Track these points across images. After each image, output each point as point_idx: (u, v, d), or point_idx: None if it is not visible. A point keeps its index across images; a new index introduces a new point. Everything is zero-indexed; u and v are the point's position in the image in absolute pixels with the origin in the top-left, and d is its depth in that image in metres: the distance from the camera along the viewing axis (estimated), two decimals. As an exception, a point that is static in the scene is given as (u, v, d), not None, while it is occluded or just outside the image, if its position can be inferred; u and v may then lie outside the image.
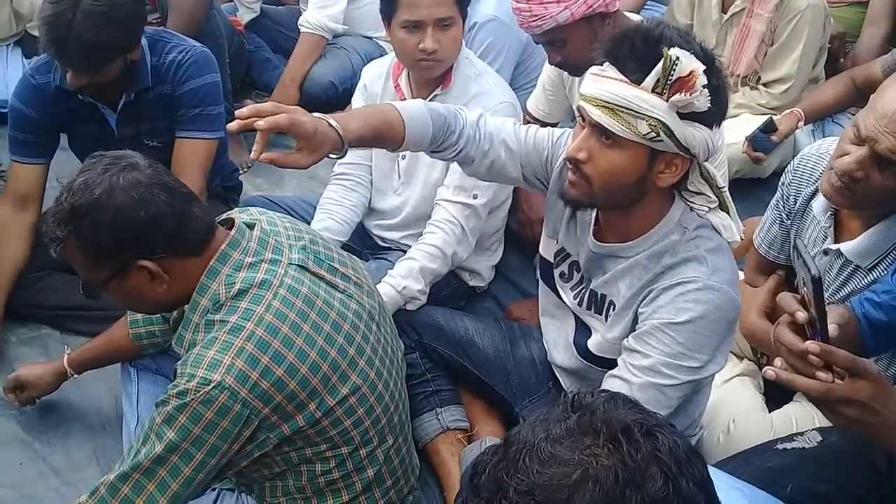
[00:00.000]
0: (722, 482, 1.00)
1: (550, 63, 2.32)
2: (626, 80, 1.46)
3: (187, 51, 2.35)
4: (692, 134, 1.47)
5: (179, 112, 2.36)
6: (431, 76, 2.24)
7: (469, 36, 2.83)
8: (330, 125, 1.54)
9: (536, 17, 2.11)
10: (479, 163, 1.76)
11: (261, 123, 1.45)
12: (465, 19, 2.23)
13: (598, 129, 1.50)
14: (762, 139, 2.69)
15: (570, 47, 2.16)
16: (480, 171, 1.78)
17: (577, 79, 2.37)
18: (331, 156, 1.57)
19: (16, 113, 2.38)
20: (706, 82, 1.43)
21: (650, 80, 1.44)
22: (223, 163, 2.68)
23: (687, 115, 1.46)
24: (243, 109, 1.48)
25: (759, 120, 2.79)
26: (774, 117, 2.73)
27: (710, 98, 1.44)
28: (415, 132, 1.67)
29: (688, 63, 1.42)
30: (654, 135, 1.46)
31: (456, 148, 1.74)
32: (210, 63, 2.39)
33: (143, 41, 2.29)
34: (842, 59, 3.16)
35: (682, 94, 1.42)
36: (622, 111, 1.46)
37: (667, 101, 1.44)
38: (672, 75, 1.42)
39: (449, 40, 2.18)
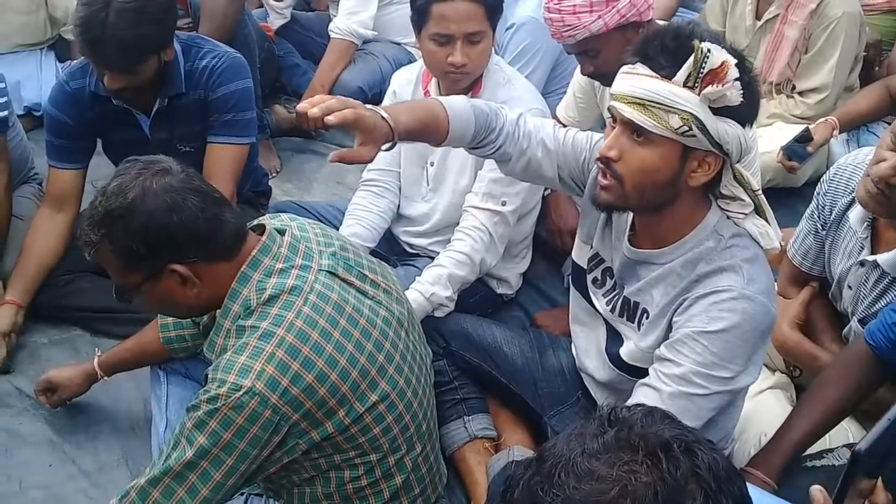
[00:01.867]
0: (759, 500, 0.98)
1: (583, 73, 2.31)
2: (658, 75, 1.46)
3: (220, 56, 2.36)
4: (724, 130, 1.46)
5: (212, 117, 2.37)
6: (459, 87, 2.24)
7: (506, 37, 2.82)
8: (382, 118, 1.55)
9: (569, 28, 2.10)
10: (515, 161, 1.75)
11: (330, 118, 1.48)
12: (494, 30, 2.22)
13: (630, 127, 1.49)
14: (797, 149, 2.66)
15: (602, 57, 2.15)
16: (517, 169, 1.77)
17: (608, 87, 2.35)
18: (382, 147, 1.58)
19: (51, 119, 2.41)
20: (738, 75, 1.42)
21: (682, 74, 1.43)
22: (254, 168, 2.69)
23: (719, 111, 1.45)
24: (306, 102, 1.50)
25: (792, 129, 2.75)
26: (809, 126, 2.70)
27: (741, 92, 1.43)
28: (458, 128, 1.67)
29: (719, 55, 1.41)
30: (686, 129, 1.45)
31: (495, 145, 1.73)
32: (243, 69, 2.40)
33: (177, 46, 2.31)
34: (877, 68, 3.11)
35: (715, 85, 1.41)
36: (654, 106, 1.45)
37: (699, 94, 1.43)
38: (703, 68, 1.41)
39: (478, 54, 2.18)
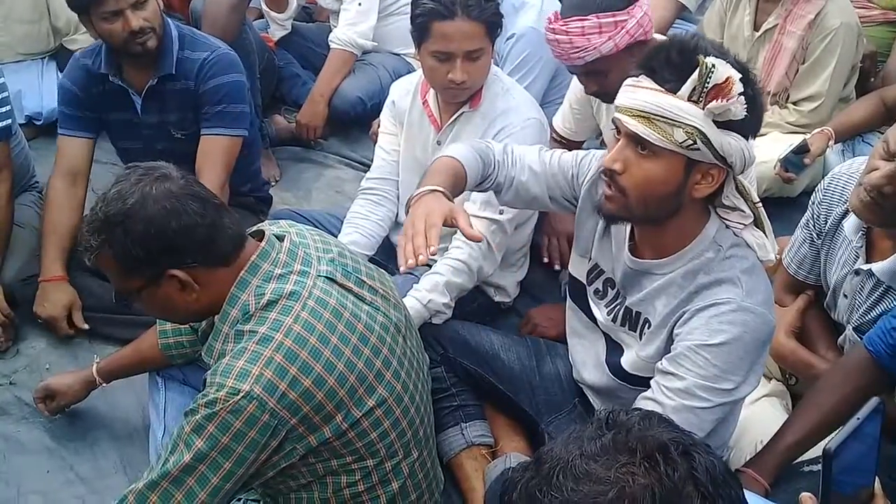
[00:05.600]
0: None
1: (587, 92, 2.28)
2: (662, 89, 1.46)
3: (214, 50, 2.46)
4: (729, 143, 1.47)
5: (203, 109, 2.44)
6: (458, 100, 2.27)
7: (506, 47, 2.83)
8: (442, 192, 1.65)
9: (579, 49, 2.07)
10: (507, 189, 1.82)
11: None
12: (493, 44, 2.24)
13: (634, 140, 1.50)
14: (795, 160, 2.68)
15: (611, 78, 2.10)
16: (509, 196, 1.84)
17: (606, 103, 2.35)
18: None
19: (64, 90, 2.52)
20: (742, 90, 1.43)
21: (686, 89, 1.44)
22: (255, 170, 2.73)
23: (723, 124, 1.46)
24: None
25: (788, 139, 2.77)
26: (806, 138, 2.71)
27: (746, 106, 1.44)
28: (472, 175, 1.77)
29: (724, 70, 1.42)
30: (690, 142, 1.45)
31: (492, 178, 1.81)
32: (235, 64, 2.48)
33: (174, 31, 2.41)
34: (872, 79, 3.13)
35: (719, 100, 1.42)
36: (658, 119, 1.46)
37: (703, 108, 1.44)
38: (708, 82, 1.42)
39: (478, 70, 2.20)
